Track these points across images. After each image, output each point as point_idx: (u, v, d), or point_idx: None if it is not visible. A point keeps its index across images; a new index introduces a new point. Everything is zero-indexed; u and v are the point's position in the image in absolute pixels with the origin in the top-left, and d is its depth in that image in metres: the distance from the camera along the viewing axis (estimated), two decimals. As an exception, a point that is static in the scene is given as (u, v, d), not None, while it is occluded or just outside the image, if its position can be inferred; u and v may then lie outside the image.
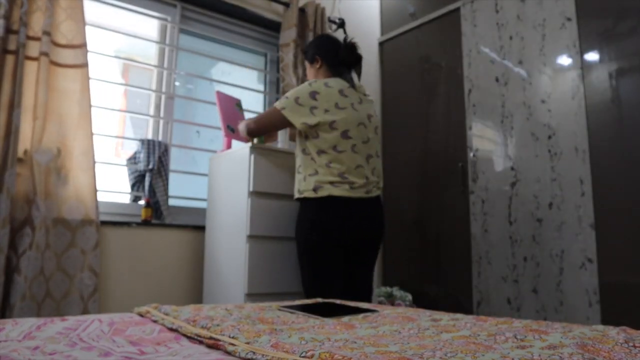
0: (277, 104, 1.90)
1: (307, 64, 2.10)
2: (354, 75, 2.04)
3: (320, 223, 1.85)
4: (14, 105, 1.87)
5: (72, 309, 1.92)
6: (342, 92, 1.89)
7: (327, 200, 1.83)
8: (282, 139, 2.40)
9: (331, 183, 1.83)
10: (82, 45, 2.06)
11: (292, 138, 2.32)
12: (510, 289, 2.38)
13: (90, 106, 2.06)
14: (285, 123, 1.91)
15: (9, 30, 1.90)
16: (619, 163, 2.06)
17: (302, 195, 1.89)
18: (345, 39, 2.01)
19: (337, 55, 1.99)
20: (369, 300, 2.01)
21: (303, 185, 1.89)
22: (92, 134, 2.05)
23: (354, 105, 1.91)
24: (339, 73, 1.99)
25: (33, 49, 1.97)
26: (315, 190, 1.84)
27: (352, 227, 1.87)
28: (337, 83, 1.92)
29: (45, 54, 1.96)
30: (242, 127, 2.03)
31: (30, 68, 1.96)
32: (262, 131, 2.00)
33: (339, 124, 1.84)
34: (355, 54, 1.99)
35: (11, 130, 1.85)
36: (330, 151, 1.83)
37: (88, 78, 2.06)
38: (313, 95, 1.85)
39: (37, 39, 1.97)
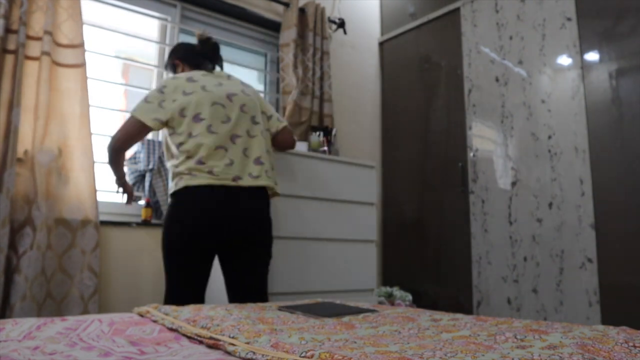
0: (131, 110, 1.75)
1: (170, 75, 1.96)
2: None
3: (177, 220, 1.66)
4: (13, 105, 1.87)
5: (72, 309, 1.92)
6: (190, 78, 1.78)
7: (184, 193, 1.65)
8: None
9: (189, 172, 1.65)
10: (81, 45, 2.07)
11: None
12: (510, 289, 2.38)
13: (88, 106, 2.06)
14: (139, 127, 1.69)
15: (8, 30, 1.90)
16: (618, 163, 2.06)
17: (170, 192, 1.72)
18: (200, 34, 1.94)
19: (193, 51, 1.93)
20: None
21: (171, 185, 1.72)
22: (91, 134, 2.05)
23: (205, 87, 1.76)
24: (198, 66, 1.90)
25: (34, 48, 1.97)
26: (176, 184, 1.68)
27: (216, 223, 1.66)
28: (186, 74, 1.81)
29: (47, 54, 1.96)
30: (108, 146, 1.77)
31: (31, 68, 1.96)
32: (120, 145, 1.73)
33: (187, 109, 1.69)
34: (210, 43, 1.93)
35: (10, 130, 1.85)
36: (187, 140, 1.67)
37: (86, 78, 2.07)
38: (160, 90, 1.74)
39: (38, 38, 1.98)
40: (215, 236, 1.67)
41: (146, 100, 1.72)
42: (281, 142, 1.97)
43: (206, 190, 1.64)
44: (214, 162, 1.66)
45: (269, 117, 1.93)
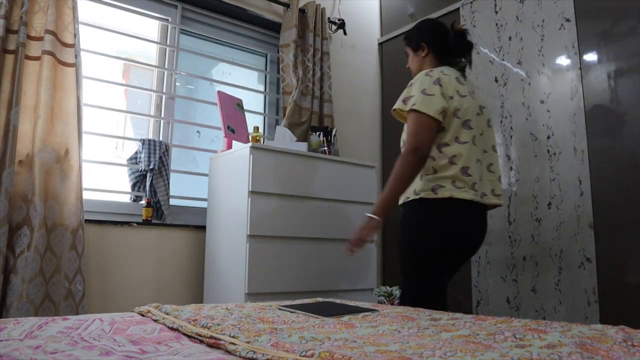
0: (407, 107, 1.62)
1: (409, 52, 1.84)
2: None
3: (438, 227, 1.59)
4: (12, 105, 1.86)
5: (68, 312, 1.89)
6: (458, 79, 1.67)
7: (448, 202, 1.57)
8: (283, 138, 2.41)
9: (453, 182, 1.57)
10: (75, 44, 2.05)
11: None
12: (510, 289, 2.38)
13: (81, 104, 2.04)
14: (429, 121, 1.57)
15: (8, 30, 1.90)
16: (617, 163, 2.06)
17: (417, 197, 1.62)
18: (452, 25, 1.77)
19: (445, 42, 1.76)
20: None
21: (419, 186, 1.62)
22: (80, 133, 2.02)
23: (471, 93, 1.69)
24: (447, 62, 1.76)
25: (34, 48, 1.96)
26: (434, 190, 1.59)
27: (472, 240, 1.66)
28: (450, 70, 1.69)
29: (48, 53, 1.95)
30: (405, 153, 1.61)
31: (32, 67, 1.95)
32: (426, 145, 1.58)
33: (462, 112, 1.61)
34: (465, 40, 1.76)
35: (9, 129, 1.85)
36: (452, 143, 1.59)
37: (80, 77, 2.05)
38: (437, 81, 1.61)
39: (39, 38, 1.97)
40: (466, 253, 1.68)
41: (424, 92, 1.59)
42: None
43: (469, 207, 1.59)
44: (474, 174, 1.59)
45: None
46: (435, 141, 1.60)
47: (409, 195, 1.66)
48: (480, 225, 1.68)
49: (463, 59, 1.78)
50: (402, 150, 1.68)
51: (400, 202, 1.70)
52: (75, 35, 2.06)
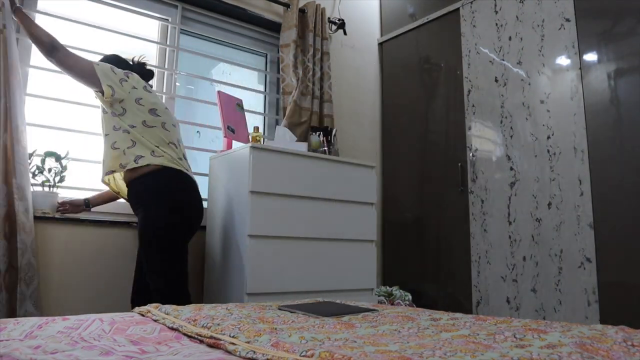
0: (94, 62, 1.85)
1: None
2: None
3: (153, 188, 1.84)
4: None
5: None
6: (146, 87, 1.95)
7: (149, 168, 1.82)
8: (283, 138, 2.41)
9: (152, 153, 1.82)
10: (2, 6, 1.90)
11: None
12: (510, 289, 2.38)
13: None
14: (89, 76, 1.79)
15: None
16: (617, 163, 2.06)
17: (124, 168, 1.83)
18: (133, 59, 2.08)
19: (130, 68, 2.02)
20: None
21: (124, 159, 1.83)
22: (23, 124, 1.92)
23: (158, 96, 1.99)
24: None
25: None
26: (136, 161, 1.81)
27: (180, 195, 1.89)
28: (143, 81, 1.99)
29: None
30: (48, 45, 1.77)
31: None
32: (66, 65, 1.78)
33: (145, 101, 1.87)
34: (146, 69, 2.10)
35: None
36: (140, 125, 1.84)
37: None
38: (126, 74, 1.88)
39: None
40: None
41: (112, 69, 1.84)
42: None
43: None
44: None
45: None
46: (123, 122, 1.85)
47: (122, 168, 1.86)
48: (193, 190, 1.92)
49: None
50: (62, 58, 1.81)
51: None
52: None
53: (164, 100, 2.56)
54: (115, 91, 1.81)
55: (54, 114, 2.21)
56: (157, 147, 1.84)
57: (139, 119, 1.84)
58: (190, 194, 1.90)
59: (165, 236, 1.80)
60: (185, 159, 1.96)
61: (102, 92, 1.80)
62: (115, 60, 2.00)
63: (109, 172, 1.85)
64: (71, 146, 2.15)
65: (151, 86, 2.09)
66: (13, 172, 1.87)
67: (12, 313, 1.83)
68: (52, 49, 1.75)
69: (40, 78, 2.19)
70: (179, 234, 1.86)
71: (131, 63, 2.08)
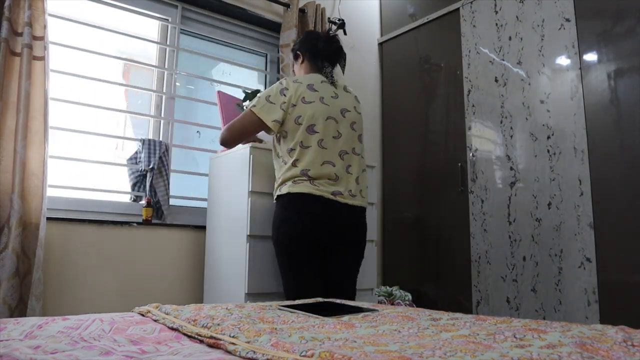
0: (249, 105, 1.87)
1: (293, 62, 2.07)
2: (338, 70, 2.03)
3: (285, 221, 1.80)
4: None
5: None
6: (311, 86, 1.86)
7: (288, 197, 1.79)
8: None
9: (293, 180, 1.78)
10: (43, 37, 1.99)
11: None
12: (510, 289, 2.38)
13: (48, 99, 1.99)
14: (258, 124, 1.82)
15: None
16: (617, 163, 2.06)
17: (274, 196, 1.89)
18: (328, 31, 1.96)
19: (316, 48, 1.95)
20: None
21: (275, 188, 1.89)
22: (46, 129, 1.96)
23: (323, 99, 1.85)
24: (319, 68, 1.96)
25: (17, 43, 1.93)
26: (280, 188, 1.83)
27: (319, 224, 1.79)
28: (307, 78, 1.89)
29: (27, 46, 1.92)
30: (220, 137, 1.92)
31: (14, 62, 1.92)
32: (235, 138, 1.88)
33: (304, 118, 1.79)
34: (334, 45, 1.95)
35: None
36: (297, 148, 1.79)
37: (48, 69, 1.99)
38: (282, 92, 1.83)
39: (19, 34, 1.94)
40: (326, 242, 1.83)
41: (268, 99, 1.81)
42: None
43: (307, 198, 1.78)
44: (317, 173, 1.78)
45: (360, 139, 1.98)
46: (283, 148, 1.84)
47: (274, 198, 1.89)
48: (334, 218, 1.81)
49: (330, 65, 1.97)
50: (221, 133, 1.92)
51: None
52: (45, 27, 1.99)
53: (163, 101, 2.56)
54: (281, 120, 1.81)
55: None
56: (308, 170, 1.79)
57: (296, 141, 1.80)
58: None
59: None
60: (349, 172, 1.87)
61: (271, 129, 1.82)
62: (303, 37, 2.02)
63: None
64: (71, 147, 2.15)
65: (331, 75, 1.96)
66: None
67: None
68: (221, 141, 1.90)
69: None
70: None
71: (321, 42, 1.95)
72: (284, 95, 1.81)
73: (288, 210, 1.80)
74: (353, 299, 1.90)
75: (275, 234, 1.84)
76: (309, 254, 1.80)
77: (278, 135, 1.85)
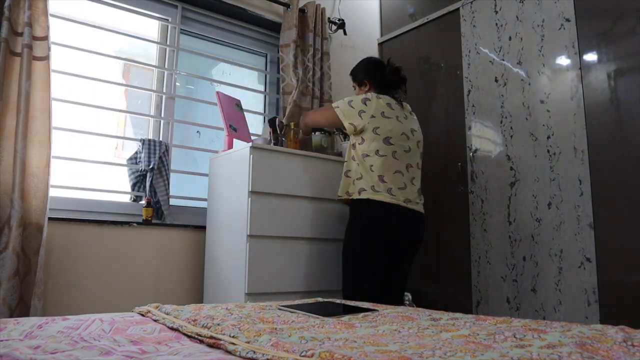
0: (333, 103, 2.11)
1: (355, 86, 2.25)
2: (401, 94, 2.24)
3: (364, 223, 1.98)
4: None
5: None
6: (389, 105, 2.06)
7: (368, 203, 1.97)
8: (267, 133, 2.40)
9: (372, 187, 1.97)
10: (47, 38, 1.99)
11: (303, 143, 2.40)
12: (510, 289, 2.38)
13: (50, 99, 1.98)
14: (334, 121, 2.09)
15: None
16: (617, 163, 2.06)
17: (350, 197, 2.04)
18: (389, 61, 2.18)
19: (383, 77, 2.16)
20: (400, 302, 2.16)
21: (351, 188, 2.05)
22: (50, 129, 1.96)
23: (398, 117, 2.06)
24: (385, 93, 2.13)
25: (17, 44, 1.93)
26: (359, 193, 2.00)
27: (390, 230, 1.99)
28: (386, 98, 2.09)
29: (28, 47, 1.92)
30: (301, 119, 2.30)
31: (14, 62, 1.92)
32: (314, 123, 2.24)
33: (382, 130, 1.99)
34: (399, 76, 2.16)
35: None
36: (373, 154, 1.98)
37: (51, 70, 1.99)
38: (364, 101, 2.03)
39: (19, 34, 1.94)
40: (394, 247, 2.05)
41: (350, 104, 2.05)
42: None
43: (385, 207, 1.97)
44: (392, 182, 1.99)
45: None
46: (358, 152, 2.03)
47: (348, 196, 2.06)
48: (404, 224, 2.02)
49: (399, 90, 2.19)
50: (301, 119, 2.33)
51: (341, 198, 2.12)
52: (43, 28, 1.98)
53: (163, 101, 2.56)
54: (356, 126, 2.01)
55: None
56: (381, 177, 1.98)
57: (373, 149, 1.99)
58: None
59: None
60: (413, 184, 2.07)
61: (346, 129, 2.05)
62: (368, 66, 2.22)
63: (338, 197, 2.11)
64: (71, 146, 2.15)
65: (400, 98, 2.17)
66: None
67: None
68: (301, 126, 2.29)
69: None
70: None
71: (386, 68, 2.17)
72: (365, 104, 2.02)
73: (370, 215, 1.97)
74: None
75: (353, 236, 2.00)
76: (385, 254, 2.01)
77: (354, 140, 2.05)
